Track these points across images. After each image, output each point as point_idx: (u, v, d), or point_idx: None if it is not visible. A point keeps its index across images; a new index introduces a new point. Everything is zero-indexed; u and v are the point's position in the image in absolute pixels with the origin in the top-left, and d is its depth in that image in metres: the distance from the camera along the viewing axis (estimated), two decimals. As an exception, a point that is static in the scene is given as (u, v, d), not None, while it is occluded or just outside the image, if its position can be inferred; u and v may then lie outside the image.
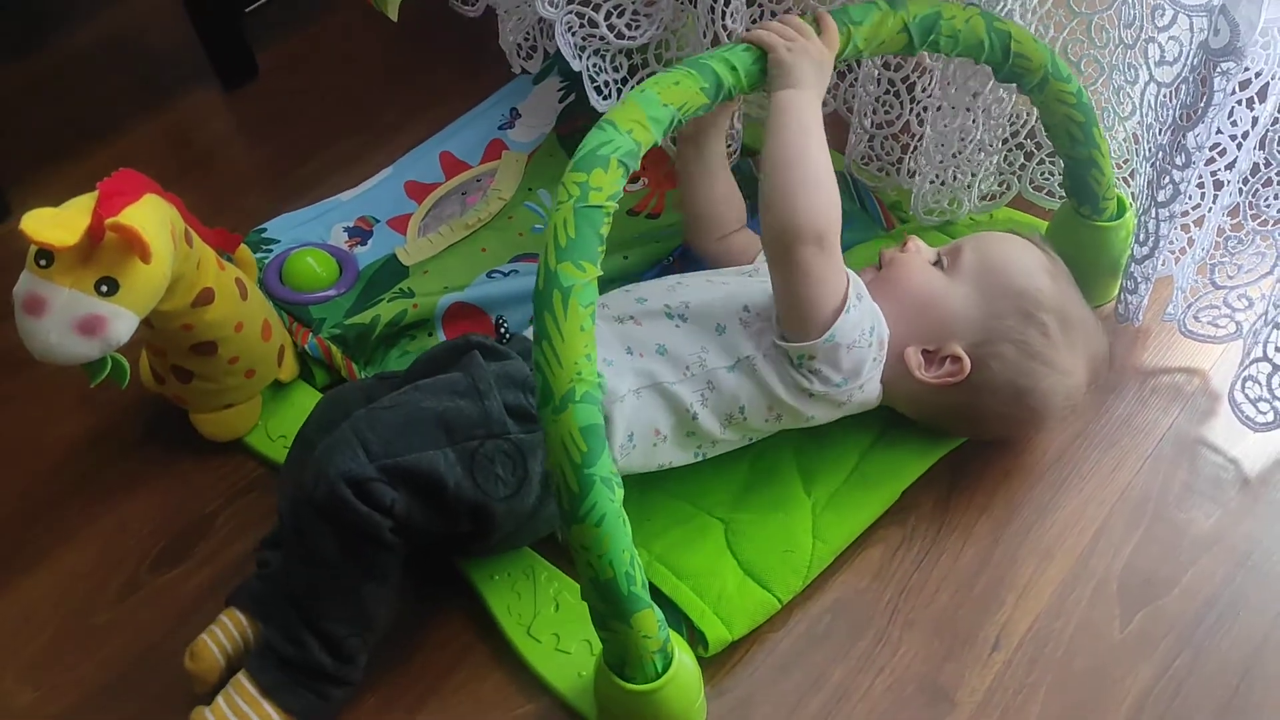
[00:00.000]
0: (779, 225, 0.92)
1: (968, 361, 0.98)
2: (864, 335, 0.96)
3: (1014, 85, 1.07)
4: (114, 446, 1.11)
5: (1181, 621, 0.96)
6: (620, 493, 0.82)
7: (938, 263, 1.03)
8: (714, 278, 1.05)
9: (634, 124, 0.87)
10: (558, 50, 1.15)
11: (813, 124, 0.94)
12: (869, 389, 1.00)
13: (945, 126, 1.13)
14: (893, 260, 1.03)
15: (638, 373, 0.95)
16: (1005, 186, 1.22)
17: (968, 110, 1.11)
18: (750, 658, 0.95)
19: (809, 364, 0.95)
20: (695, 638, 0.95)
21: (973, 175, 1.18)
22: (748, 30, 0.96)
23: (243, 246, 1.10)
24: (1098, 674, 0.93)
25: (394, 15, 1.00)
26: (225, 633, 0.93)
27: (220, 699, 0.89)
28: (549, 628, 0.96)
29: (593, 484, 0.80)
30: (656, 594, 0.95)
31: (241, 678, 0.89)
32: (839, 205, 0.93)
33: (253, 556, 1.00)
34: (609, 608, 0.83)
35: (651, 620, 0.84)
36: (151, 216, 0.89)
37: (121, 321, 0.88)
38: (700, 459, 1.00)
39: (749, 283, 0.99)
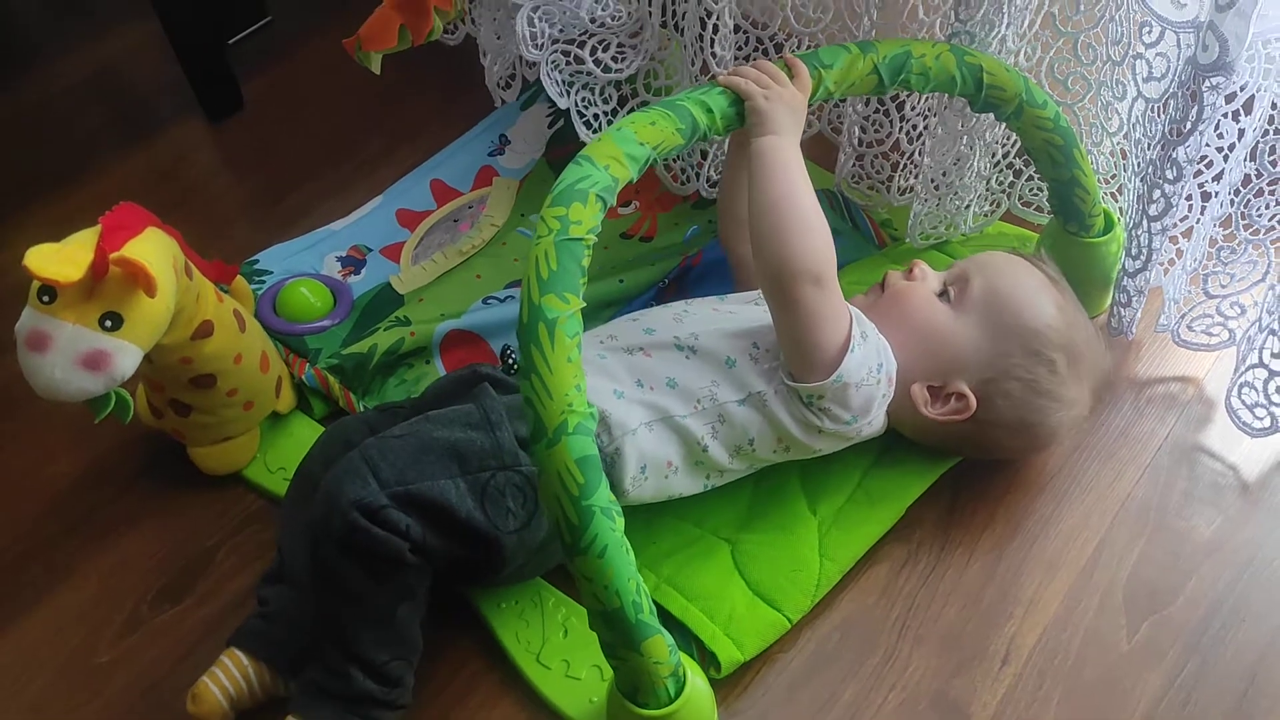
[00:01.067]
0: (775, 267, 0.92)
1: (973, 399, 0.98)
2: (871, 373, 0.95)
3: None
4: (112, 483, 1.10)
5: (1188, 629, 0.97)
6: (621, 521, 0.82)
7: (944, 293, 1.02)
8: (720, 305, 1.04)
9: (611, 160, 0.87)
10: (543, 74, 1.15)
11: (796, 167, 0.94)
12: (876, 423, 1.00)
13: (943, 155, 1.14)
14: (899, 289, 1.02)
15: (648, 406, 0.95)
16: (995, 205, 1.22)
17: (963, 138, 1.12)
18: (762, 678, 0.95)
19: (819, 403, 0.95)
20: (707, 659, 0.94)
21: (968, 199, 1.19)
22: (724, 75, 0.97)
23: (239, 278, 1.09)
24: (1108, 684, 0.94)
25: (377, 70, 1.01)
26: (227, 674, 0.92)
27: None
28: (558, 654, 0.95)
29: (592, 515, 0.80)
30: (666, 616, 0.96)
31: None
32: (832, 245, 0.93)
33: (254, 593, 0.99)
34: (618, 637, 0.83)
35: (662, 646, 0.83)
36: (154, 250, 0.89)
37: (126, 356, 0.88)
38: (708, 489, 1.00)
39: (755, 312, 0.99)
